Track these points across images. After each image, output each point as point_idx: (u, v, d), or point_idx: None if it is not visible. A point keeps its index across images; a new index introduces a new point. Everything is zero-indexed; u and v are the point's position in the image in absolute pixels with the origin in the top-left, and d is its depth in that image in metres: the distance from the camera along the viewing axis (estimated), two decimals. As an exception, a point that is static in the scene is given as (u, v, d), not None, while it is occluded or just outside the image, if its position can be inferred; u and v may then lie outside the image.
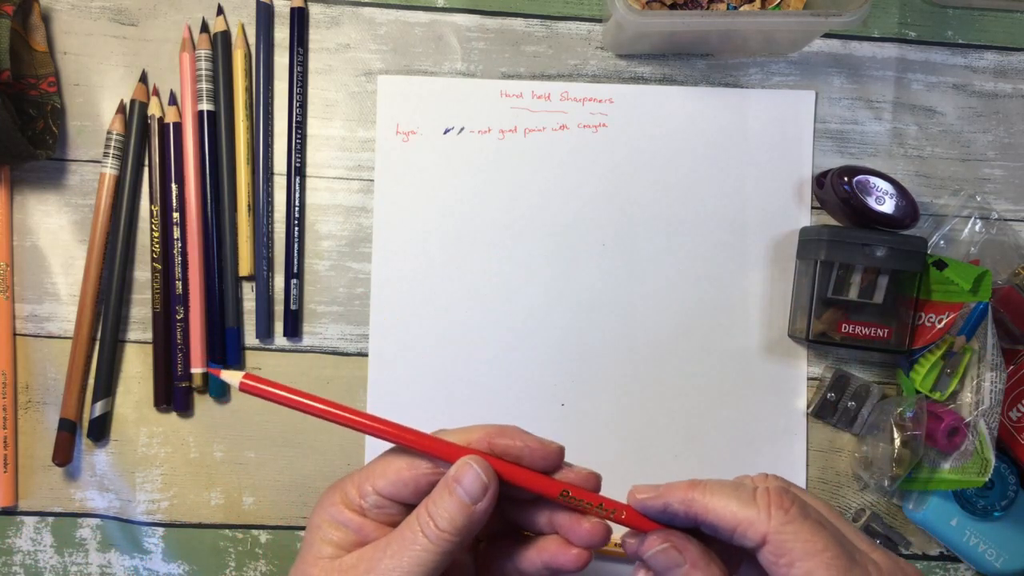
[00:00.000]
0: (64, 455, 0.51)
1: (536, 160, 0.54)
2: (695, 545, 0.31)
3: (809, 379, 0.55)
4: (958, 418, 0.50)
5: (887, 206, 0.51)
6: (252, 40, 0.53)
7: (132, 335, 0.53)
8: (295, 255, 0.53)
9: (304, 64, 0.54)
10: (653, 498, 0.31)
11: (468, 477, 0.32)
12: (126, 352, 0.53)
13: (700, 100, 0.55)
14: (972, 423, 0.50)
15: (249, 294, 0.54)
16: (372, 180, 0.54)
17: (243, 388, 0.31)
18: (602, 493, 0.34)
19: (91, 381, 0.52)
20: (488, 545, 0.37)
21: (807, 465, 0.55)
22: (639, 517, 0.32)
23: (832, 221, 0.55)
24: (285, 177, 0.54)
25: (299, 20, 0.53)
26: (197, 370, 0.52)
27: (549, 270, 0.54)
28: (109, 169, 0.52)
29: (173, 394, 0.53)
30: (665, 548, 0.31)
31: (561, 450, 0.34)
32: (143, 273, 0.53)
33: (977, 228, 0.55)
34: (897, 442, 0.51)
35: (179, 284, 0.52)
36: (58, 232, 0.53)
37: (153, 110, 0.53)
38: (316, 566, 0.33)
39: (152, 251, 0.52)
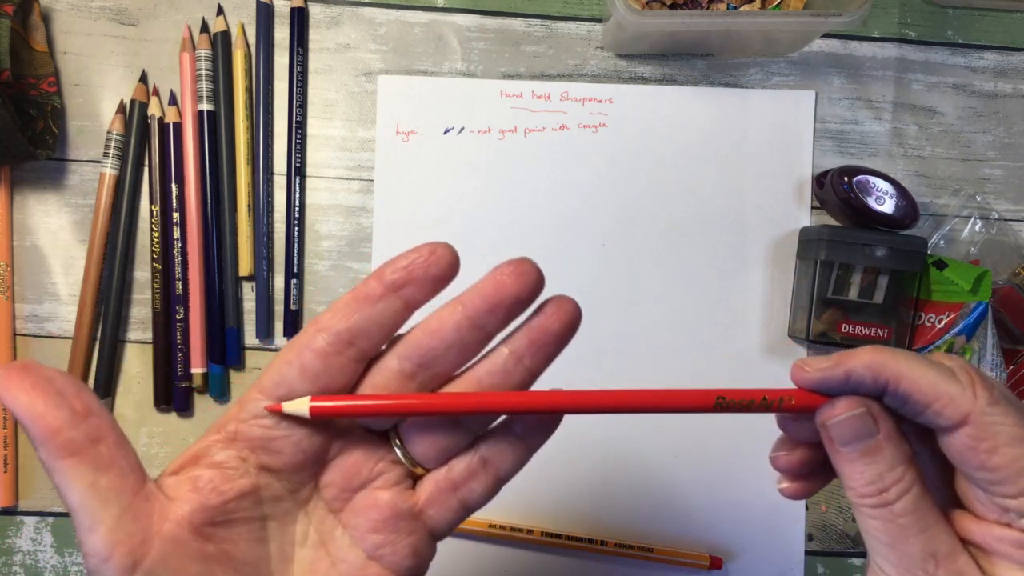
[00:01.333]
0: (64, 455, 0.51)
1: (536, 160, 0.54)
2: (889, 414, 0.26)
3: (809, 379, 0.55)
4: (958, 418, 0.50)
5: (887, 206, 0.51)
6: (252, 40, 0.53)
7: (132, 335, 0.53)
8: (295, 255, 0.53)
9: (304, 64, 0.54)
10: (831, 368, 0.26)
11: None
12: (126, 352, 0.53)
13: (700, 100, 0.55)
14: (972, 423, 0.50)
15: (249, 294, 0.54)
16: (372, 180, 0.54)
17: (314, 413, 0.26)
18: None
19: (91, 381, 0.52)
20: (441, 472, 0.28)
21: (807, 465, 0.55)
22: (811, 397, 0.27)
23: (832, 221, 0.55)
24: (285, 177, 0.54)
25: (299, 20, 0.53)
26: (197, 370, 0.52)
27: (549, 270, 0.54)
28: (109, 169, 0.52)
29: (173, 394, 0.53)
30: (861, 413, 0.26)
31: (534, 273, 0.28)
32: (143, 273, 0.53)
33: (977, 228, 0.55)
34: (897, 442, 0.51)
35: (179, 284, 0.52)
36: (58, 232, 0.53)
37: (153, 110, 0.53)
38: None
39: (152, 251, 0.52)
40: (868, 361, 0.26)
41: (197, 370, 0.52)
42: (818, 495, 0.55)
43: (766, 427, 0.55)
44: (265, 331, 0.53)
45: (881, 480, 0.26)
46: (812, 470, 0.29)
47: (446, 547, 0.54)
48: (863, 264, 0.51)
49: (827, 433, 0.27)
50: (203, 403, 0.53)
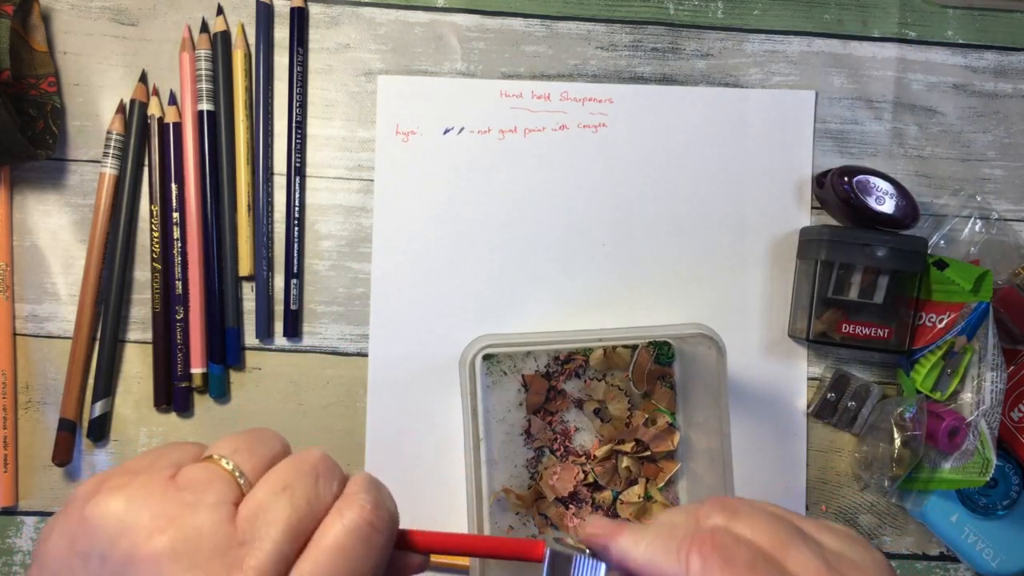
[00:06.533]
0: (64, 455, 0.51)
1: (536, 160, 0.54)
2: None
3: (809, 379, 0.55)
4: (959, 418, 0.50)
5: (887, 206, 0.51)
6: (252, 40, 0.53)
7: (132, 335, 0.53)
8: (295, 255, 0.53)
9: (304, 64, 0.54)
10: (587, 538, 0.31)
11: None
12: (126, 352, 0.53)
13: (700, 100, 0.55)
14: (973, 423, 0.50)
15: (249, 294, 0.54)
16: (372, 180, 0.54)
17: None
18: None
19: (91, 381, 0.52)
20: None
21: (807, 465, 0.55)
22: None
23: (832, 221, 0.55)
24: (285, 177, 0.54)
25: (299, 20, 0.53)
26: (197, 370, 0.52)
27: (549, 270, 0.54)
28: (109, 169, 0.52)
29: (173, 394, 0.52)
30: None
31: None
32: (143, 273, 0.53)
33: (977, 228, 0.55)
34: (897, 442, 0.51)
35: (179, 284, 0.52)
36: (58, 232, 0.53)
37: (153, 110, 0.53)
38: None
39: (152, 251, 0.52)
40: (602, 545, 0.30)
41: (197, 370, 0.52)
42: (818, 495, 0.55)
43: (765, 429, 0.55)
44: (265, 331, 0.53)
45: None
46: None
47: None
48: (863, 264, 0.51)
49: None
50: (203, 403, 0.53)
